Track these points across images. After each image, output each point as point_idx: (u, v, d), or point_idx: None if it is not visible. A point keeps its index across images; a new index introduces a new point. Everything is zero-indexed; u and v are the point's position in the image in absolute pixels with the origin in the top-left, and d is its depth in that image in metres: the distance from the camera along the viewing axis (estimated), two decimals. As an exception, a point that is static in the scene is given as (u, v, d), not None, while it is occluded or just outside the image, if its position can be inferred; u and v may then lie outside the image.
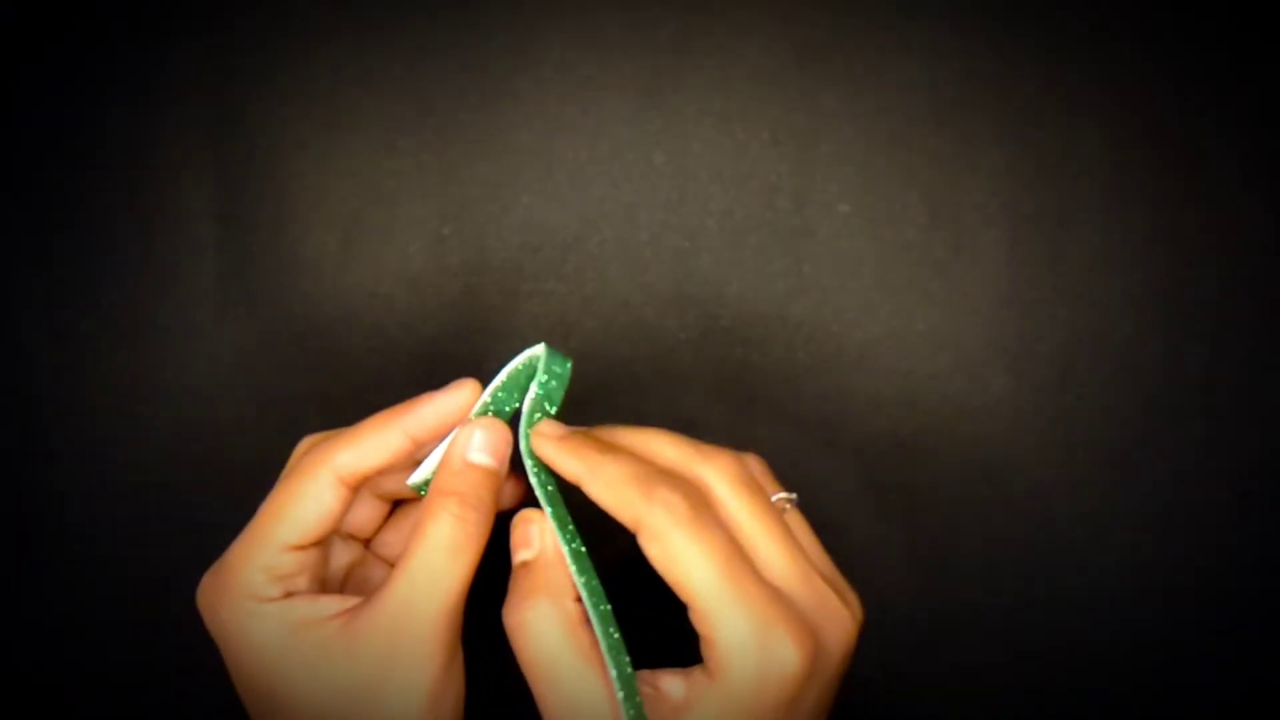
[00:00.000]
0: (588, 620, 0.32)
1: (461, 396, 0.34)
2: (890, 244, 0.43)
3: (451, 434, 0.34)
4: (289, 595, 0.32)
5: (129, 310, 0.44)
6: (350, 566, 0.36)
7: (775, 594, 0.31)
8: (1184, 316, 0.43)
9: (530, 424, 0.34)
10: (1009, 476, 0.43)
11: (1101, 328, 0.43)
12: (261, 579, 0.32)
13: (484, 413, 0.34)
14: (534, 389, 0.34)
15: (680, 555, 0.30)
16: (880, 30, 0.43)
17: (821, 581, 0.32)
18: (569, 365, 0.35)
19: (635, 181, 0.43)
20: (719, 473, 0.33)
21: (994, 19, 0.43)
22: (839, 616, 0.32)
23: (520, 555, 0.33)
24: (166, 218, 0.44)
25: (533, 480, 0.34)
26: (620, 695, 0.30)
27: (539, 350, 0.34)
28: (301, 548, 0.32)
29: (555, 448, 0.33)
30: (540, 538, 0.33)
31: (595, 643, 0.31)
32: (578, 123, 0.43)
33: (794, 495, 0.34)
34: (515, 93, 0.43)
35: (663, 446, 0.33)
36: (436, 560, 0.31)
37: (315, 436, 0.35)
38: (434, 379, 0.43)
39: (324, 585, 0.34)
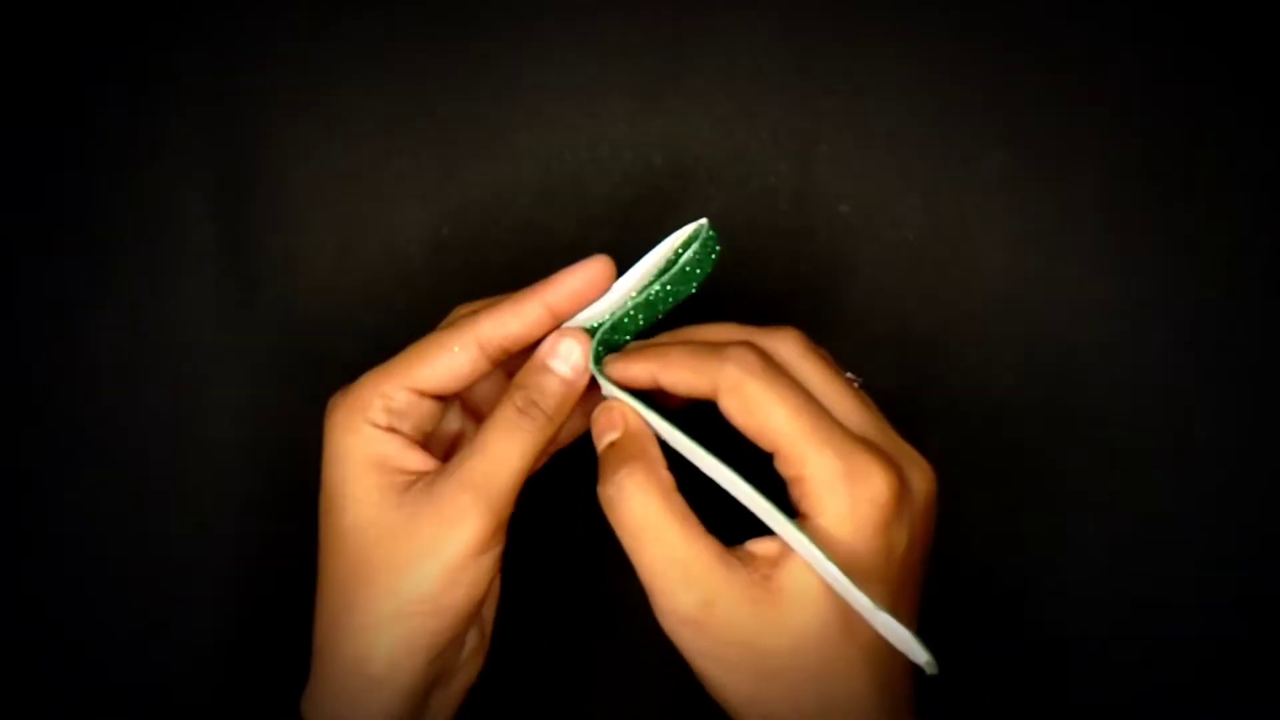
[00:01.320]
0: (678, 489, 0.33)
1: (596, 271, 0.34)
2: (890, 244, 0.43)
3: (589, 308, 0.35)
4: (391, 430, 0.34)
5: (129, 310, 0.44)
6: (461, 433, 0.38)
7: (856, 435, 0.32)
8: (1184, 316, 0.43)
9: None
10: (1008, 478, 0.43)
11: (1101, 328, 0.43)
12: (377, 404, 0.34)
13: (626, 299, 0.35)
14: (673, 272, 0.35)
15: (760, 402, 0.32)
16: (880, 31, 0.43)
17: (894, 433, 0.34)
18: (715, 255, 0.36)
19: (635, 182, 0.43)
20: (785, 342, 0.34)
21: (994, 20, 0.43)
22: (919, 461, 0.33)
23: (606, 438, 0.34)
24: (166, 218, 0.44)
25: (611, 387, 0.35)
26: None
27: (694, 227, 0.35)
28: (422, 394, 0.34)
29: (621, 362, 0.34)
30: (625, 419, 0.34)
31: (688, 509, 0.32)
32: (577, 123, 0.43)
33: (860, 378, 0.36)
34: (515, 94, 0.43)
35: (723, 331, 0.35)
36: (490, 443, 0.33)
37: (470, 305, 0.36)
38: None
39: (430, 440, 0.36)
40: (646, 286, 0.35)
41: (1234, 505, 0.43)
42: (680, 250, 0.35)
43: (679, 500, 0.32)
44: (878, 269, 0.43)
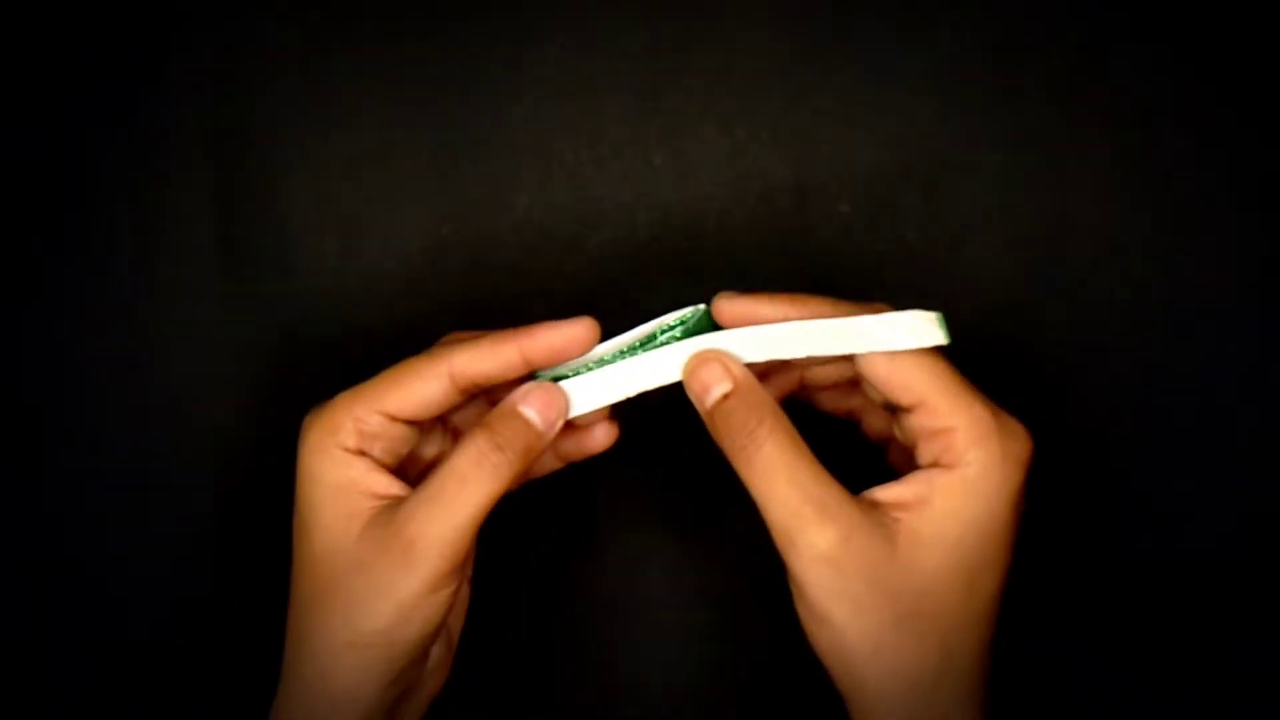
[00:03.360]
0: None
1: (580, 332, 0.34)
2: (890, 244, 0.43)
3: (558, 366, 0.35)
4: (361, 453, 0.34)
5: (129, 310, 0.44)
6: (441, 454, 0.38)
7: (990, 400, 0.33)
8: (1185, 317, 0.43)
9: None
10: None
11: (1101, 328, 0.43)
12: (349, 427, 0.34)
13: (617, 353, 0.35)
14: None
15: (908, 356, 0.33)
16: (880, 30, 0.43)
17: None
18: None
19: (635, 182, 0.43)
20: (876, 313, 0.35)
21: (994, 19, 0.42)
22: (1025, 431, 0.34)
23: (716, 390, 0.33)
24: (167, 218, 0.44)
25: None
26: None
27: (689, 311, 0.36)
28: (392, 418, 0.34)
29: (747, 300, 0.35)
30: (730, 372, 0.34)
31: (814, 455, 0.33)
32: (577, 123, 0.43)
33: None
34: (515, 93, 0.43)
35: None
36: (447, 486, 0.33)
37: (458, 334, 0.37)
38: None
39: (407, 462, 0.36)
40: (626, 351, 0.35)
41: (1236, 505, 0.43)
42: (668, 327, 0.35)
43: (806, 446, 0.33)
44: (877, 269, 0.43)
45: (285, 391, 0.44)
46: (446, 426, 0.38)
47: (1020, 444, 0.33)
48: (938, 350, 0.33)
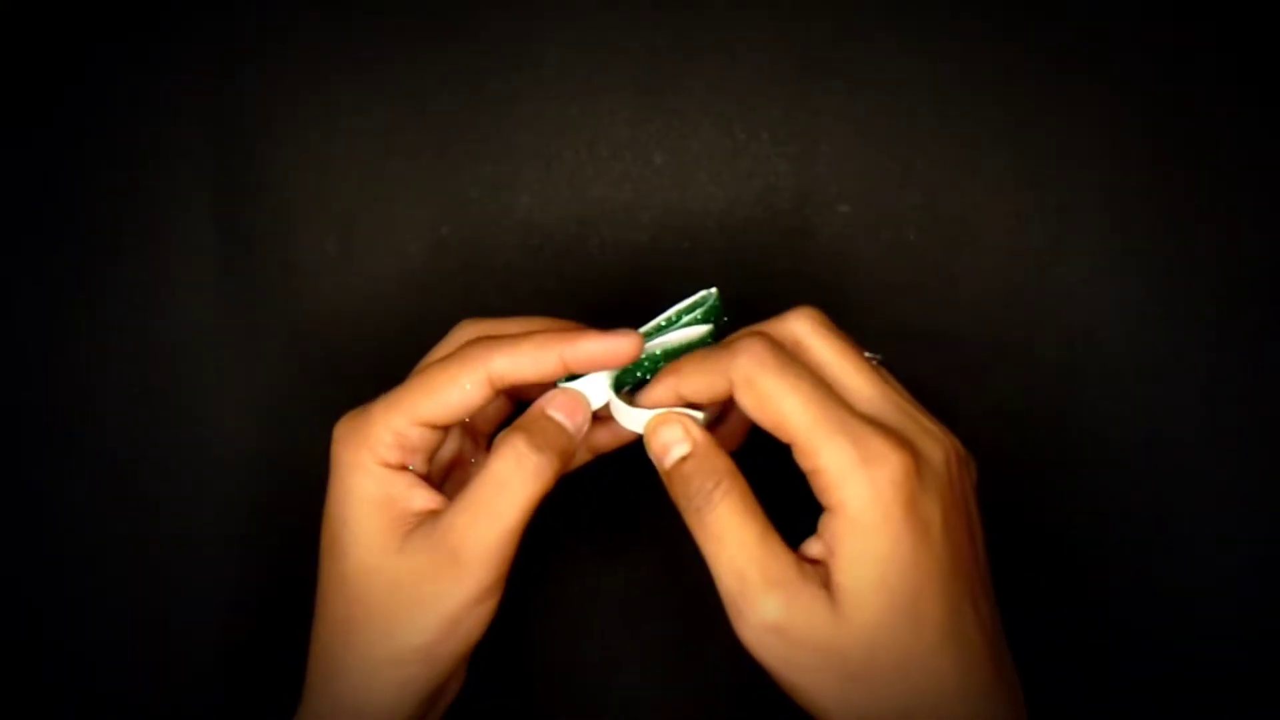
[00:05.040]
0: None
1: (622, 345, 0.34)
2: (890, 244, 0.43)
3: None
4: (401, 468, 0.34)
5: (128, 311, 0.44)
6: (460, 453, 0.38)
7: (867, 418, 0.32)
8: (1185, 316, 0.43)
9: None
10: (1008, 479, 0.43)
11: (1102, 328, 0.43)
12: (388, 440, 0.33)
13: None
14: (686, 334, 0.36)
15: (772, 395, 0.32)
16: (880, 30, 0.43)
17: (911, 407, 0.34)
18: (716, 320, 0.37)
19: (635, 182, 0.43)
20: (799, 321, 0.35)
21: (994, 19, 0.43)
22: (932, 432, 0.33)
23: (675, 452, 0.34)
24: (166, 219, 0.44)
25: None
26: None
27: (701, 295, 0.36)
28: (433, 426, 0.34)
29: (643, 392, 0.35)
30: (691, 433, 0.34)
31: (767, 519, 0.32)
32: (577, 123, 0.43)
33: (879, 355, 0.36)
34: (515, 93, 0.43)
35: (742, 332, 0.35)
36: (488, 493, 0.32)
37: (476, 325, 0.36)
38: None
39: (434, 466, 0.36)
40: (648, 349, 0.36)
41: (1242, 499, 0.43)
42: (681, 314, 0.36)
43: (760, 509, 0.32)
44: (878, 268, 0.43)
45: (286, 390, 0.44)
46: (464, 425, 0.38)
47: (888, 467, 0.31)
48: (810, 376, 0.33)
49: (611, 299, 0.43)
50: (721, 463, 0.33)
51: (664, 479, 0.34)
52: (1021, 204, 0.43)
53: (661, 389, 0.35)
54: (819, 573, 0.31)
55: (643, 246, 0.43)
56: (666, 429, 0.34)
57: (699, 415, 0.34)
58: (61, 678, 0.44)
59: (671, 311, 0.37)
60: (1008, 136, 0.43)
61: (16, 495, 0.44)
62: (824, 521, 0.32)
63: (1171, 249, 0.43)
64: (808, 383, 0.32)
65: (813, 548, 0.32)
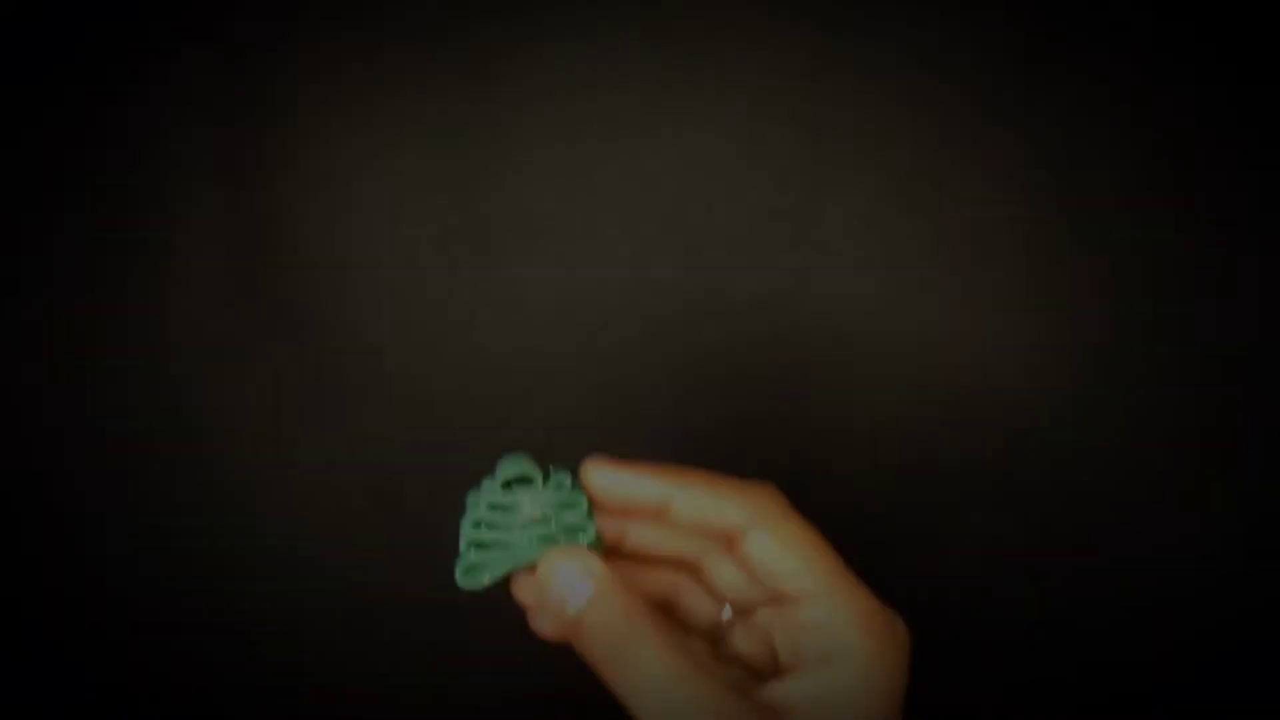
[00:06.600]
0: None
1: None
2: (899, 243, 0.43)
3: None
4: None
5: (130, 307, 0.44)
6: None
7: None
8: (1197, 317, 0.42)
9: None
10: (1018, 478, 0.43)
11: (1113, 328, 0.42)
12: None
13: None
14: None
15: (799, 542, 0.31)
16: (889, 28, 0.42)
17: None
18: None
19: (641, 178, 0.43)
20: (771, 496, 0.32)
21: (1006, 18, 0.42)
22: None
23: (577, 594, 0.31)
24: (169, 214, 0.44)
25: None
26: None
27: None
28: None
29: (633, 473, 0.32)
30: (591, 570, 0.31)
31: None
32: (584, 118, 0.43)
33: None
34: (521, 89, 0.43)
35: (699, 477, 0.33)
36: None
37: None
38: (437, 375, 0.43)
39: None
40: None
41: (1245, 506, 0.42)
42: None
43: (686, 643, 0.31)
44: (886, 269, 0.43)
45: (288, 385, 0.44)
46: None
47: (903, 630, 0.31)
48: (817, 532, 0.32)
49: (613, 296, 0.43)
50: (633, 600, 0.30)
51: (566, 631, 0.31)
52: (1033, 203, 0.42)
53: (652, 486, 0.32)
54: (775, 715, 0.30)
55: (648, 243, 0.43)
56: (564, 569, 0.31)
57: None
58: (62, 678, 0.44)
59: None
60: (1019, 135, 0.42)
61: (16, 489, 0.44)
62: (809, 672, 0.31)
63: (1185, 250, 0.42)
64: (821, 538, 0.32)
65: (778, 692, 0.30)
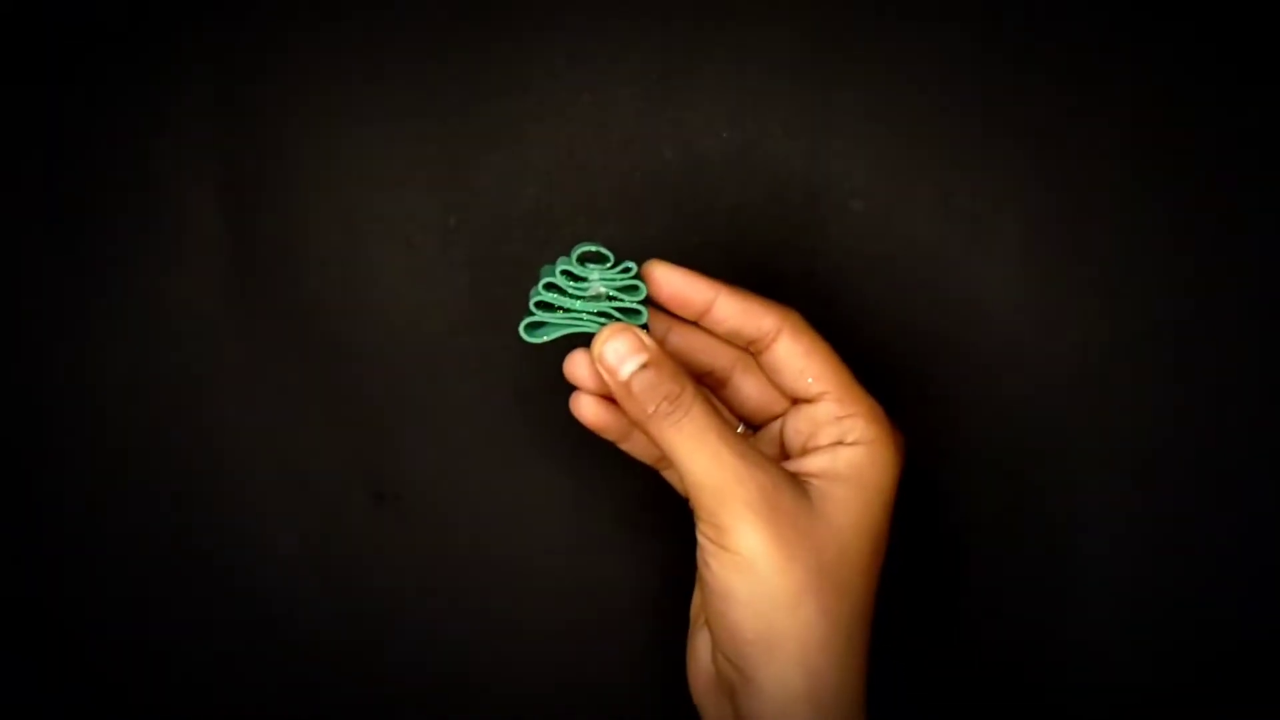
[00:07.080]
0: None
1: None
2: (903, 242, 0.42)
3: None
4: None
5: (132, 304, 0.44)
6: None
7: None
8: (1202, 314, 0.42)
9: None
10: (1022, 477, 0.43)
11: (1117, 327, 0.42)
12: None
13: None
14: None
15: (820, 347, 0.36)
16: (894, 25, 0.42)
17: None
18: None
19: (644, 175, 0.43)
20: (798, 314, 0.37)
21: (1009, 14, 0.42)
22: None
23: (633, 361, 0.35)
24: (171, 211, 0.44)
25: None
26: None
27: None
28: None
29: (684, 276, 0.36)
30: (645, 343, 0.35)
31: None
32: (587, 116, 0.43)
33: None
34: (524, 85, 0.43)
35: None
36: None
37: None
38: (439, 372, 0.43)
39: None
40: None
41: (1249, 506, 0.42)
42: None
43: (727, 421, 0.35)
44: (890, 265, 0.43)
45: (290, 383, 0.44)
46: None
47: (899, 433, 0.37)
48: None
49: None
50: (681, 368, 0.35)
51: (619, 392, 0.35)
52: (1037, 203, 0.42)
53: (703, 288, 0.36)
54: (797, 477, 0.35)
55: (652, 241, 0.43)
56: (619, 340, 0.35)
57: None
58: (62, 677, 0.44)
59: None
60: (1024, 133, 0.42)
61: (16, 486, 0.44)
62: (825, 451, 0.35)
63: (1190, 247, 0.42)
64: (833, 353, 0.37)
65: (798, 464, 0.35)
